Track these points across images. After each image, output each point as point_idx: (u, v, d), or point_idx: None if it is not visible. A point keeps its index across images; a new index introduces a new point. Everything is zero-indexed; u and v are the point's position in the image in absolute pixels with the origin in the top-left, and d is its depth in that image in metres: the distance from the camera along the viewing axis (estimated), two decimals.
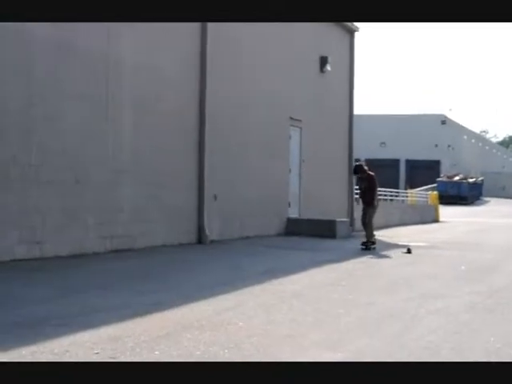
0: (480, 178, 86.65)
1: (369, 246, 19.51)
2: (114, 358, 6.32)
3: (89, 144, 15.50)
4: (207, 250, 18.03)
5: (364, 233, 20.36)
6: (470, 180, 79.16)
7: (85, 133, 15.40)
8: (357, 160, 19.93)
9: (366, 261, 16.91)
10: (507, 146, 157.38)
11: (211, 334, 7.59)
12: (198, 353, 6.68)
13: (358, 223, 30.45)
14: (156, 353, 6.63)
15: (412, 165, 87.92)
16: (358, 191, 21.32)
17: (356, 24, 30.86)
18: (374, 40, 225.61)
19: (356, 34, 31.20)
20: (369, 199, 20.08)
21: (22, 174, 13.63)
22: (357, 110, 32.54)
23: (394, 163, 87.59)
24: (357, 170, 20.72)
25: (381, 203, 38.22)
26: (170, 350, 6.79)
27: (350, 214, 29.91)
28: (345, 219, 27.01)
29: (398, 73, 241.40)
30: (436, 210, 46.31)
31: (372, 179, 19.94)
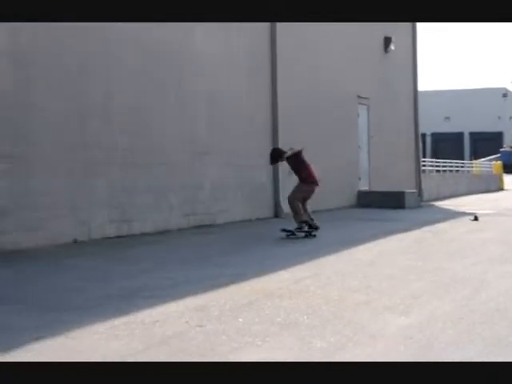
0: None
1: (299, 231, 14.38)
2: (201, 326, 6.35)
3: (170, 130, 15.62)
4: (284, 223, 18.00)
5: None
6: None
7: (166, 119, 15.53)
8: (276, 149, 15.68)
9: (434, 229, 16.65)
10: None
11: (291, 302, 7.57)
12: (279, 319, 6.67)
13: (427, 193, 30.42)
14: (240, 320, 6.64)
15: (476, 137, 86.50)
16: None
17: None
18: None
19: None
20: (304, 176, 14.72)
21: (112, 158, 13.81)
22: (421, 87, 32.23)
23: (459, 136, 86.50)
24: (276, 155, 15.12)
25: (447, 174, 37.96)
26: (253, 317, 6.79)
27: (418, 185, 29.67)
28: (413, 190, 26.77)
29: (460, 48, 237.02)
30: (500, 179, 45.61)
31: (294, 157, 14.79)
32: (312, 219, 14.54)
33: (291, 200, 14.58)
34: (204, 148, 16.69)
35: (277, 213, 19.50)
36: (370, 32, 26.04)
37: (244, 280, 9.01)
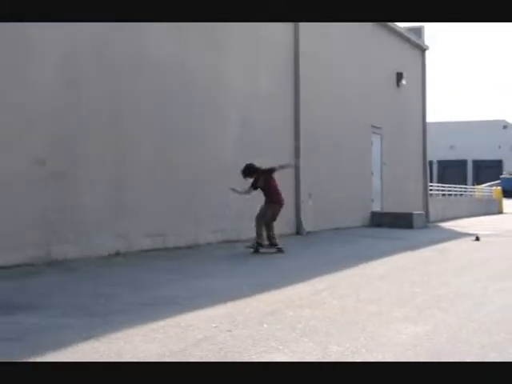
0: None
1: (256, 247, 14.07)
2: (229, 331, 6.38)
3: (198, 152, 15.75)
4: (304, 240, 18.03)
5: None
6: None
7: (194, 144, 15.65)
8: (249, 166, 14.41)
9: (440, 248, 16.56)
10: None
11: (310, 311, 7.57)
12: (300, 326, 6.67)
13: (433, 215, 30.34)
14: (264, 326, 6.66)
15: (478, 165, 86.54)
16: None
17: (426, 43, 30.53)
18: (440, 54, 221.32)
19: (426, 52, 30.85)
20: (275, 197, 14.37)
21: (141, 176, 13.91)
22: (428, 118, 32.25)
23: (462, 164, 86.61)
24: (249, 171, 14.32)
25: (452, 198, 37.79)
26: (276, 323, 6.80)
27: (425, 207, 29.65)
28: (420, 212, 26.68)
29: (462, 81, 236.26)
30: (500, 203, 45.42)
31: (268, 174, 14.34)
32: (274, 238, 14.26)
33: (259, 220, 14.22)
34: (233, 169, 16.73)
35: (298, 230, 19.51)
36: (384, 68, 26.31)
37: (268, 290, 9.01)
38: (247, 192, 14.43)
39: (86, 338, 5.94)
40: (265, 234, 14.14)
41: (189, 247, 14.80)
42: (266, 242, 14.12)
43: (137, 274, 10.73)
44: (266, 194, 14.38)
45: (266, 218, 14.12)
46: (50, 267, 11.07)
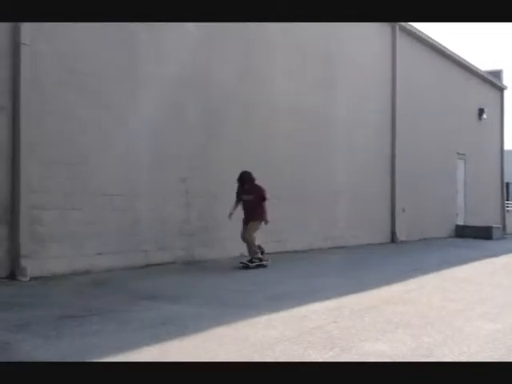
0: None
1: (254, 263, 11.15)
2: (336, 322, 6.30)
3: (315, 174, 15.73)
4: (398, 248, 17.66)
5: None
6: None
7: (313, 166, 15.64)
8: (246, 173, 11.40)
9: None
10: None
11: (403, 307, 7.39)
12: (395, 320, 6.52)
13: (509, 228, 29.14)
14: (365, 319, 6.54)
15: None
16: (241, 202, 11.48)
17: (504, 83, 29.49)
18: None
19: (505, 91, 29.82)
20: (259, 213, 11.24)
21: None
22: (506, 146, 31.23)
23: None
24: (244, 178, 11.30)
25: None
26: (376, 317, 6.67)
27: (503, 221, 28.58)
28: (498, 225, 25.64)
29: None
30: None
31: (261, 191, 11.32)
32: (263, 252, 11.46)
33: (248, 238, 11.18)
34: (340, 189, 16.67)
35: (393, 239, 19.14)
36: (468, 104, 25.74)
37: (368, 289, 8.88)
38: (236, 203, 11.48)
39: (219, 324, 6.02)
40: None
41: (304, 251, 14.78)
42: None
43: (259, 273, 10.78)
44: (255, 208, 11.34)
45: (251, 235, 11.25)
46: (192, 265, 11.30)
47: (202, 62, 12.22)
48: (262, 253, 11.43)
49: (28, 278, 8.67)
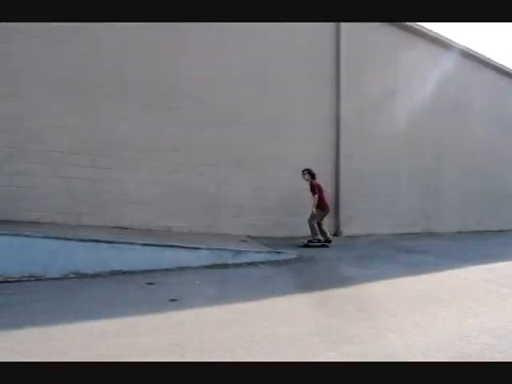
0: None
1: (311, 244, 12.62)
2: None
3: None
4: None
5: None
6: None
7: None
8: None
9: None
10: None
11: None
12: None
13: None
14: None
15: None
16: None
17: None
18: None
19: None
20: (316, 202, 12.78)
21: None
22: None
23: None
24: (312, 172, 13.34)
25: None
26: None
27: None
28: None
29: None
30: None
31: (312, 186, 13.03)
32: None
33: (309, 222, 12.88)
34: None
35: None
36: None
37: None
38: (315, 202, 13.12)
39: (450, 268, 9.43)
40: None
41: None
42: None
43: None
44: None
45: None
46: (431, 236, 16.57)
47: None
48: (326, 238, 13.03)
49: (343, 236, 15.49)
